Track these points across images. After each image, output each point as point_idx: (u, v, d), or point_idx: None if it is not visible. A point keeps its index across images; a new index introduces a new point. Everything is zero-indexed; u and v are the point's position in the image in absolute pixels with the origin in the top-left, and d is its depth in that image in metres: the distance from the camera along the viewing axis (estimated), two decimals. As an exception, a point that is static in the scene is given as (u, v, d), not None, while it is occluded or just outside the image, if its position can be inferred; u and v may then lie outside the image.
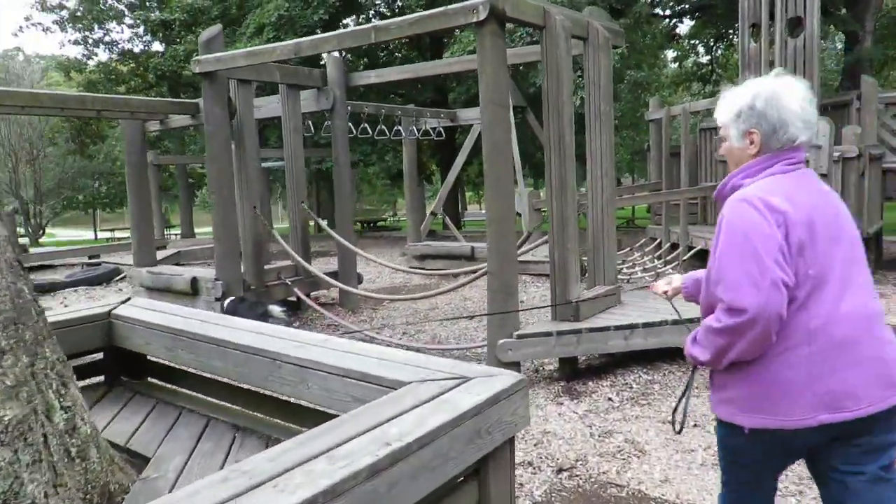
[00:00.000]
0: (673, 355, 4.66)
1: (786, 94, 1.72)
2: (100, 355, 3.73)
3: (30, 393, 2.15)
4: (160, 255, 13.16)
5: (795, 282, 1.62)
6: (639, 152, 22.17)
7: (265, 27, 14.80)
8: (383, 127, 9.13)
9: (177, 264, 12.11)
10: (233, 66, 5.67)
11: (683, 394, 2.00)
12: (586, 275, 5.34)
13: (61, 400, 2.28)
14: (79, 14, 22.13)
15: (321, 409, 2.62)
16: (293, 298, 6.91)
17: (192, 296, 6.44)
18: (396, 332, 6.71)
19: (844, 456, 1.70)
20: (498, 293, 4.32)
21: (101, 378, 3.77)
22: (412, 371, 2.32)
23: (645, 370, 4.54)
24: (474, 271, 5.54)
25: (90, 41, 22.25)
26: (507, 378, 2.15)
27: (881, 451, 1.69)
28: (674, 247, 9.56)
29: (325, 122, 8.33)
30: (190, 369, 3.27)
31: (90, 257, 14.10)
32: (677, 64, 24.60)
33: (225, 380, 3.05)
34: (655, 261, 9.19)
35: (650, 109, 11.60)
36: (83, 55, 23.39)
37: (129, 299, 3.86)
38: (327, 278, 6.49)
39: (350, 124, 8.58)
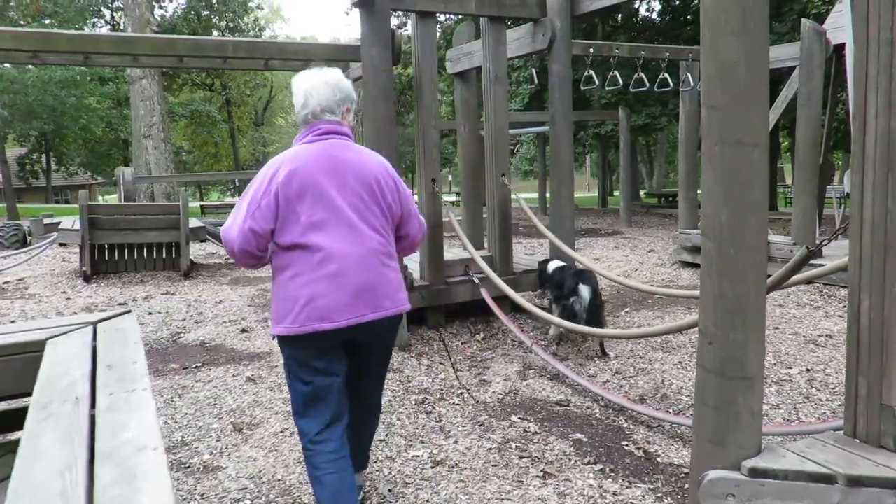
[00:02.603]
0: None
1: (297, 82, 2.34)
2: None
3: None
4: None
5: (301, 222, 2.15)
6: None
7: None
8: (641, 75, 6.81)
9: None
10: (384, -14, 4.15)
11: None
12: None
13: None
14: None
15: None
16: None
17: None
18: (607, 368, 4.63)
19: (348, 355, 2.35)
20: (712, 374, 2.10)
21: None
22: None
23: None
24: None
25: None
26: None
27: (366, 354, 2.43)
28: None
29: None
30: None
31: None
32: None
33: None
34: None
35: None
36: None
37: (112, 317, 2.63)
38: (507, 289, 4.65)
39: (592, 73, 6.51)
